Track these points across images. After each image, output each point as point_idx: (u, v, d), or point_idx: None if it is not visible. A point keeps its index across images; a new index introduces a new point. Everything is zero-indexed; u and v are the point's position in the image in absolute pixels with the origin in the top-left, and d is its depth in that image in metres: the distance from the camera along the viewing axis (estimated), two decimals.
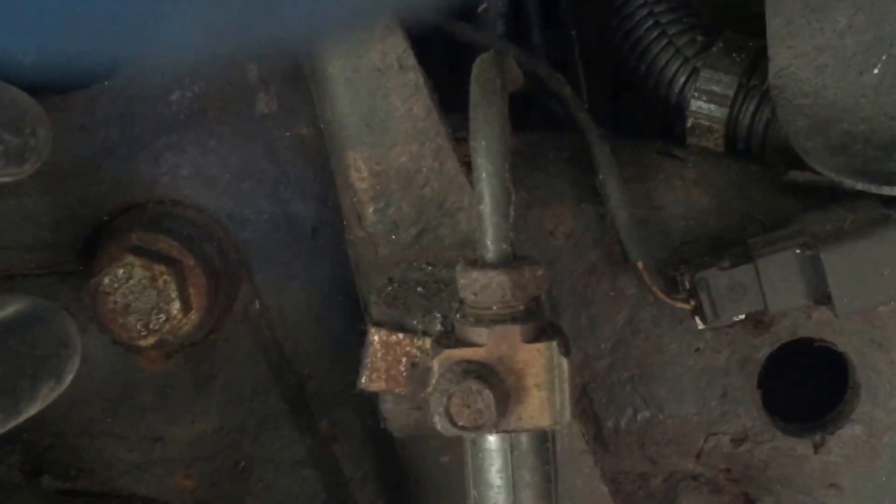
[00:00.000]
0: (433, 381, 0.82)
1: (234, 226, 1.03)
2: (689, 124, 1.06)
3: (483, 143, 0.83)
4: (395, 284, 0.94)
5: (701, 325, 0.99)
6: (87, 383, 1.02)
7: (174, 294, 0.97)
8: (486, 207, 0.83)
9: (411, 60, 0.92)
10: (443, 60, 1.14)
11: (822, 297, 0.94)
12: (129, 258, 0.97)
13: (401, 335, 0.91)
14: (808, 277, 0.94)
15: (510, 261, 0.83)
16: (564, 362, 0.83)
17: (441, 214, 0.95)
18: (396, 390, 0.91)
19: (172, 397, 1.06)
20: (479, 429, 0.81)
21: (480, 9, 1.17)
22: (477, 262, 0.84)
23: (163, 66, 0.79)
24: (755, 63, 1.04)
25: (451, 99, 0.97)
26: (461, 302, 0.85)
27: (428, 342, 0.90)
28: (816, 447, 1.03)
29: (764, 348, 1.02)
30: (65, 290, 1.02)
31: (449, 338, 0.85)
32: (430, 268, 0.94)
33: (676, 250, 1.02)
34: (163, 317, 0.98)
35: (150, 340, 0.98)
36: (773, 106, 1.02)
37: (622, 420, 1.04)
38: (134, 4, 0.50)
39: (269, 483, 1.09)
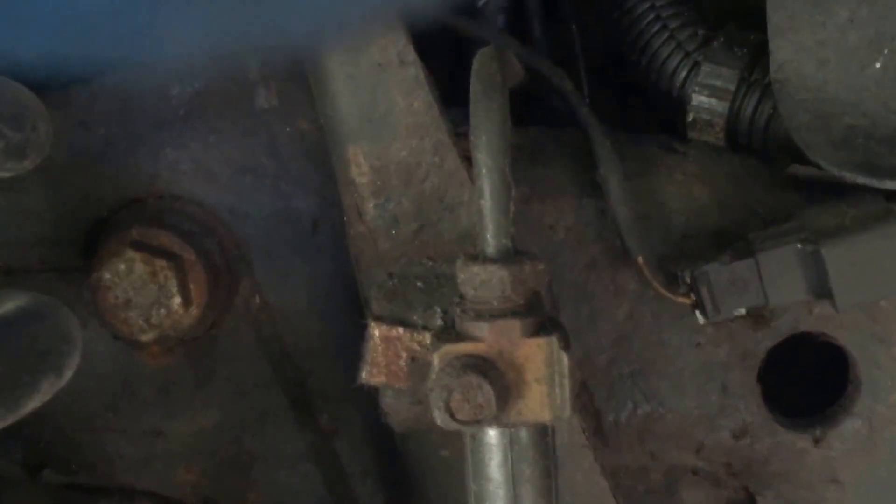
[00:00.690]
0: (433, 375, 0.82)
1: (235, 221, 1.03)
2: (690, 119, 1.06)
3: (483, 138, 0.84)
4: (396, 279, 0.94)
5: (701, 320, 0.99)
6: (88, 378, 1.02)
7: (175, 289, 0.97)
8: (487, 202, 0.83)
9: (412, 55, 0.92)
10: (443, 55, 1.14)
11: (823, 291, 0.94)
12: (130, 253, 0.97)
13: (401, 330, 0.91)
14: (809, 272, 0.94)
15: (511, 256, 0.83)
16: (565, 357, 0.83)
17: (441, 209, 0.94)
18: (397, 385, 0.91)
19: (173, 392, 1.06)
20: (480, 423, 0.81)
21: (481, 3, 1.17)
22: (477, 257, 0.84)
23: (165, 65, 0.79)
24: (756, 57, 1.04)
25: (451, 93, 0.97)
26: (461, 297, 0.85)
27: (428, 337, 0.90)
28: (817, 442, 1.03)
29: (764, 343, 1.02)
30: (65, 285, 1.02)
31: (449, 332, 0.86)
32: (430, 263, 0.94)
33: (677, 245, 1.02)
34: (164, 312, 0.98)
35: (151, 335, 0.98)
36: (774, 100, 1.02)
37: (622, 414, 1.04)
38: (137, 6, 0.51)
39: (269, 478, 1.09)
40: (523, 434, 0.84)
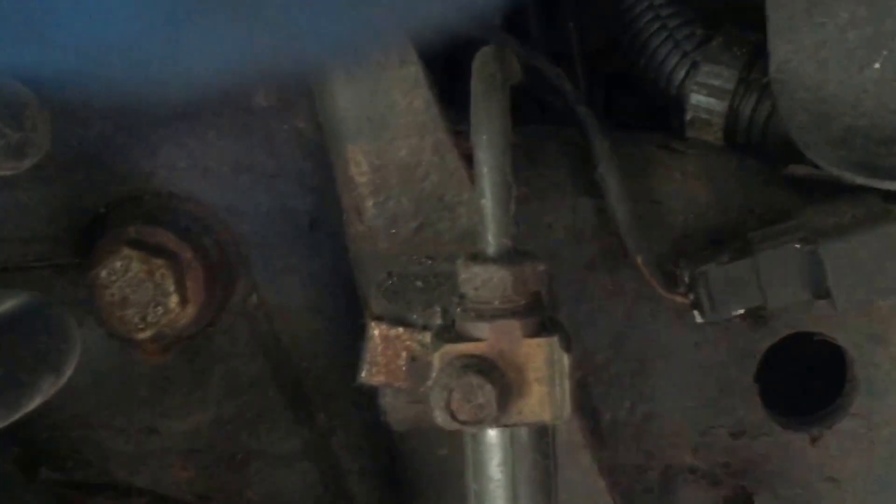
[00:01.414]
0: (434, 375, 0.82)
1: (232, 219, 1.02)
2: (688, 118, 1.06)
3: (484, 137, 0.83)
4: (395, 278, 0.94)
5: (700, 320, 0.99)
6: (84, 376, 1.02)
7: (172, 287, 0.97)
8: (488, 202, 0.83)
9: (411, 54, 0.92)
10: (441, 52, 1.14)
11: (821, 291, 0.94)
12: (127, 251, 0.96)
13: (401, 329, 0.91)
14: (807, 272, 0.94)
15: (512, 256, 0.83)
16: (565, 357, 0.83)
17: (441, 208, 0.94)
18: (396, 384, 0.91)
19: (170, 390, 1.06)
20: (480, 423, 0.81)
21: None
22: (478, 257, 0.84)
23: (178, 92, 0.79)
24: (755, 57, 1.04)
25: (449, 91, 0.97)
26: (462, 296, 0.85)
27: (428, 336, 0.90)
28: (814, 441, 1.03)
29: (763, 342, 1.02)
30: (61, 282, 1.02)
31: (449, 332, 0.85)
32: (429, 262, 0.94)
33: (675, 244, 1.02)
34: (160, 310, 0.97)
35: (148, 333, 0.98)
36: (772, 100, 1.02)
37: (620, 413, 1.04)
38: (151, 37, 0.50)
39: (266, 475, 1.09)
40: (523, 434, 0.84)
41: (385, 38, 0.77)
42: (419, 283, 0.93)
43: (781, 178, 1.02)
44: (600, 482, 1.00)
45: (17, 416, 0.78)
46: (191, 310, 0.99)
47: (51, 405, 0.89)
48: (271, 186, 1.02)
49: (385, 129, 0.92)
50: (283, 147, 1.01)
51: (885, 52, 0.87)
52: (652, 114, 1.17)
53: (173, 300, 0.97)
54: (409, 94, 0.92)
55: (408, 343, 0.91)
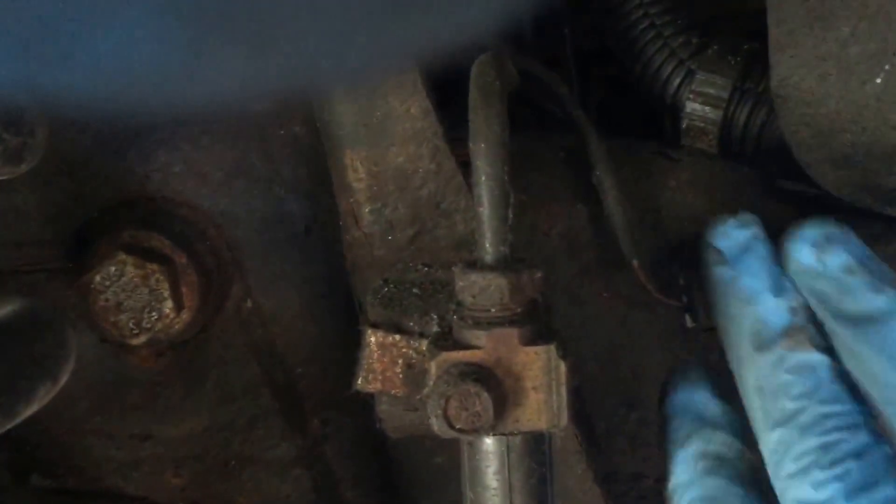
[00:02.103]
0: (430, 383, 0.81)
1: (227, 224, 1.02)
2: (683, 126, 1.06)
3: (482, 145, 0.83)
4: (392, 285, 0.93)
5: (691, 324, 0.99)
6: (77, 381, 1.01)
7: (167, 293, 0.96)
8: (485, 210, 0.83)
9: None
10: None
11: None
12: (121, 256, 0.96)
13: (397, 336, 0.91)
14: None
15: (509, 263, 0.83)
16: (562, 365, 0.83)
17: (438, 215, 0.94)
18: (392, 392, 0.91)
19: (162, 395, 1.06)
20: (477, 431, 0.81)
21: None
22: (475, 265, 0.84)
23: (192, 112, 0.79)
24: (750, 66, 1.04)
25: (447, 98, 0.97)
26: (459, 304, 0.84)
27: (424, 344, 0.90)
28: None
29: None
30: (54, 287, 1.01)
31: (446, 339, 0.85)
32: (426, 269, 0.94)
33: (670, 252, 1.02)
34: (155, 315, 0.97)
35: (142, 339, 0.97)
36: (767, 109, 1.02)
37: (614, 420, 1.04)
38: (172, 61, 0.51)
39: (259, 482, 1.08)
40: (520, 442, 0.84)
41: (397, 64, 0.77)
42: (416, 290, 0.93)
43: (775, 188, 1.02)
44: (596, 489, 1.00)
45: (13, 423, 0.78)
46: (185, 315, 0.98)
47: (42, 411, 0.89)
48: (266, 191, 1.02)
49: (383, 135, 0.92)
50: (279, 152, 1.01)
51: (887, 67, 0.87)
52: (645, 119, 1.18)
53: (168, 306, 0.96)
54: (406, 100, 0.92)
55: (404, 350, 0.90)
